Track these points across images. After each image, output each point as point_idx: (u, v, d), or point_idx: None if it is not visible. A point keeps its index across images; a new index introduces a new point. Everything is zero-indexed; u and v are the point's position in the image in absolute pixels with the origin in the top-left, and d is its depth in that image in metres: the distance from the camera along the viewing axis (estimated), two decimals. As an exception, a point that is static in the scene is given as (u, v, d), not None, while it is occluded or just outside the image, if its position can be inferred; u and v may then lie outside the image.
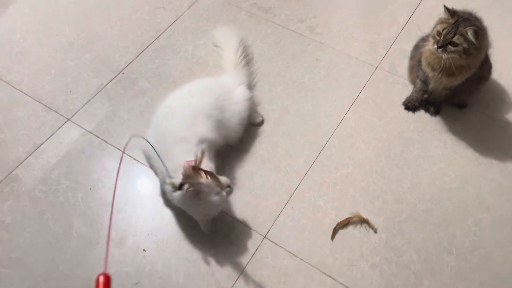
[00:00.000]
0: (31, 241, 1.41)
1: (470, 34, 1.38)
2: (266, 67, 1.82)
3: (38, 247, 1.40)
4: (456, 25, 1.41)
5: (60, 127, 1.66)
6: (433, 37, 1.46)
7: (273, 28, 1.95)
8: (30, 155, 1.59)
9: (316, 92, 1.76)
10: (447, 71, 1.49)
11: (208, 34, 1.91)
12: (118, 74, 1.80)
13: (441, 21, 1.46)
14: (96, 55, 1.86)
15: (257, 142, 1.62)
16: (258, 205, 1.48)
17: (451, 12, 1.43)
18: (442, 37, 1.42)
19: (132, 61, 1.84)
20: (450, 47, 1.42)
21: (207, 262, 1.37)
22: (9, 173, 1.54)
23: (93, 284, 1.32)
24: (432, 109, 1.68)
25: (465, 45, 1.40)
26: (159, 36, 1.92)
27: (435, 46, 1.44)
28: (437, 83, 1.55)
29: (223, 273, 1.36)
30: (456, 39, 1.40)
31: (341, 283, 1.34)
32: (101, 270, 1.35)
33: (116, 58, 1.85)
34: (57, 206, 1.48)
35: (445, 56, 1.44)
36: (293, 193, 1.51)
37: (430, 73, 1.55)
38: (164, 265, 1.37)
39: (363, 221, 1.44)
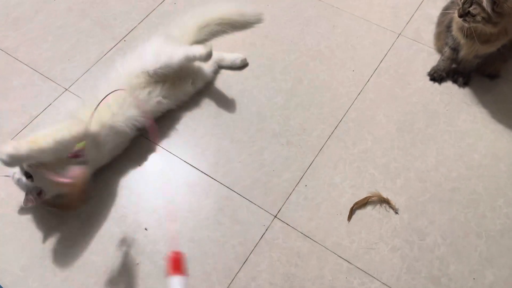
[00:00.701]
0: (26, 217, 1.33)
1: (485, 3, 1.23)
2: (278, 34, 1.68)
3: (34, 223, 1.32)
4: None
5: (58, 97, 1.55)
6: (457, 4, 1.32)
7: (287, -8, 1.80)
8: (25, 126, 1.49)
9: (332, 61, 1.62)
10: (481, 37, 1.34)
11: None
12: (120, 41, 1.68)
13: None
14: (96, 21, 1.74)
15: (267, 115, 1.50)
16: (268, 182, 1.37)
17: None
18: (461, 6, 1.29)
19: (134, 27, 1.72)
20: (470, 17, 1.28)
21: (213, 243, 1.27)
22: (4, 146, 1.45)
23: (92, 264, 1.24)
24: (460, 79, 1.53)
25: (483, 14, 1.26)
26: (163, 1, 1.79)
27: (457, 14, 1.32)
28: (469, 50, 1.40)
29: (230, 255, 1.26)
30: (472, 9, 1.27)
31: (358, 267, 1.23)
32: (103, 249, 1.27)
33: (117, 24, 1.73)
34: (54, 181, 1.38)
35: (466, 25, 1.31)
36: (307, 170, 1.39)
37: (461, 40, 1.40)
38: (166, 245, 1.27)
39: (383, 201, 1.33)
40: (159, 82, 1.41)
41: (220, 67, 1.59)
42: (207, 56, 1.37)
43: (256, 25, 1.71)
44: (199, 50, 1.37)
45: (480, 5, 1.25)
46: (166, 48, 1.42)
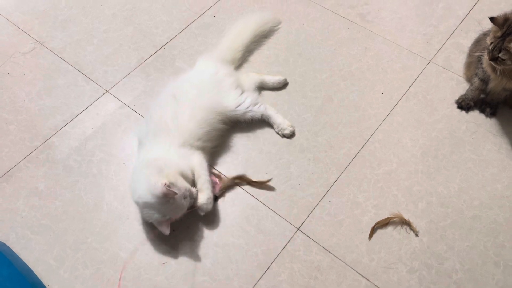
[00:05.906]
0: (62, 210, 1.40)
1: None
2: (311, 53, 1.74)
3: (68, 216, 1.39)
4: (502, 39, 1.31)
5: (98, 98, 1.63)
6: (486, 47, 1.37)
7: (322, 12, 1.86)
8: (67, 123, 1.57)
9: (363, 82, 1.66)
10: (510, 74, 1.38)
11: (255, 15, 1.84)
12: (160, 49, 1.76)
13: (491, 31, 1.37)
14: (139, 28, 1.82)
15: (296, 131, 1.55)
16: (293, 195, 1.42)
17: (497, 23, 1.33)
18: (491, 52, 1.34)
19: (175, 37, 1.80)
20: (500, 60, 1.33)
21: (236, 249, 1.33)
22: (46, 140, 1.53)
23: (121, 260, 1.31)
24: (488, 110, 1.56)
25: None
26: (203, 13, 1.87)
27: (487, 57, 1.37)
28: (498, 83, 1.44)
29: (253, 262, 1.31)
30: (502, 55, 1.31)
31: (375, 285, 1.27)
32: (129, 245, 1.33)
33: (158, 32, 1.81)
34: (90, 178, 1.46)
35: (498, 67, 1.36)
36: (331, 186, 1.43)
37: (491, 74, 1.43)
38: (192, 247, 1.33)
39: (404, 223, 1.36)
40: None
41: (262, 88, 1.64)
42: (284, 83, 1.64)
43: (290, 42, 1.77)
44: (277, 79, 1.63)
45: (509, 51, 1.29)
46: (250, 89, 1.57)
